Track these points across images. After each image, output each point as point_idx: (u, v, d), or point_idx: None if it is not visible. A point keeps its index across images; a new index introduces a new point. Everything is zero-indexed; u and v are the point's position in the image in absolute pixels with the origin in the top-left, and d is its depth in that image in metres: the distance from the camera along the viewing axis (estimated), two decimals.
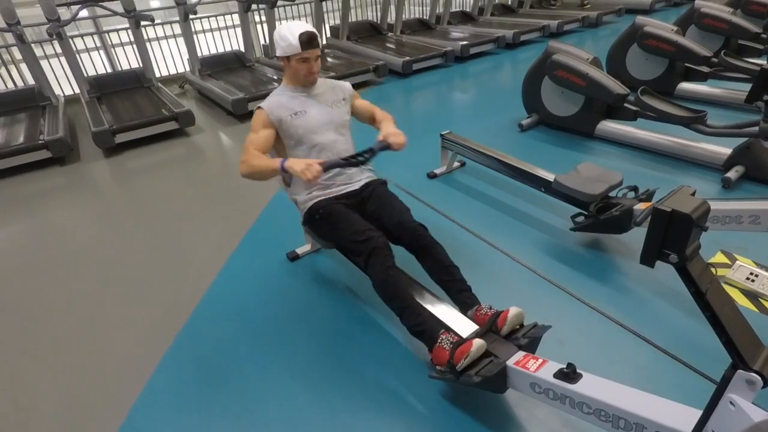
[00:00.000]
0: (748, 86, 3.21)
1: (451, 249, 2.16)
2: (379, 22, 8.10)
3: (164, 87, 5.91)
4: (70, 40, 5.60)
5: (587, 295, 2.36)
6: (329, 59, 6.75)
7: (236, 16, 7.02)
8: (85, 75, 5.81)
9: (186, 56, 6.61)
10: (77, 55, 5.76)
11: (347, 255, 2.26)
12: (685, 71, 4.74)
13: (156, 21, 5.85)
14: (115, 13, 5.54)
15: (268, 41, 7.05)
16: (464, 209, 3.19)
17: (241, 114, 5.21)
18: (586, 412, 1.49)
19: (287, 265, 2.76)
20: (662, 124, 3.52)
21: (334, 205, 2.24)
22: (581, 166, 2.83)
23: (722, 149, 3.33)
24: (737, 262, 2.45)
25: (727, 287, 2.30)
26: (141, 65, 6.10)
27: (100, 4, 5.45)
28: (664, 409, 1.36)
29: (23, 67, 5.92)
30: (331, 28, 8.10)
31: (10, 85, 6.08)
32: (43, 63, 5.64)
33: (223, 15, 7.69)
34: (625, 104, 3.69)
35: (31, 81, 5.75)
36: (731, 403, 1.19)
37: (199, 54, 6.48)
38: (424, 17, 8.57)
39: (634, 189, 2.66)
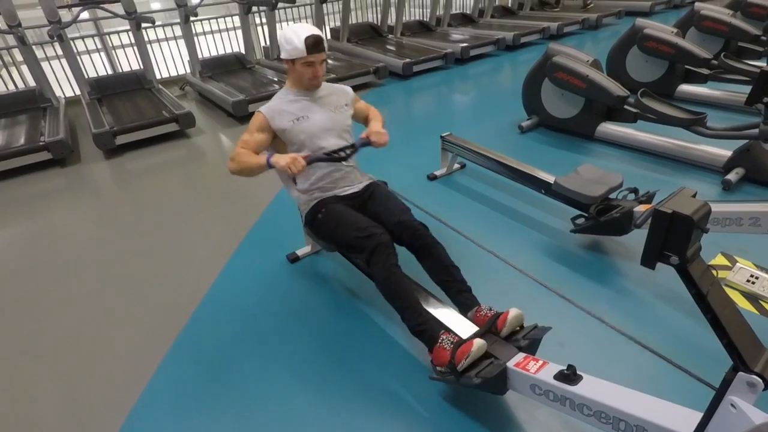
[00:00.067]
0: (747, 88, 3.20)
1: (450, 249, 2.16)
2: (379, 24, 8.12)
3: (165, 89, 5.92)
4: (71, 41, 5.61)
5: (587, 296, 2.36)
6: (330, 61, 6.75)
7: (237, 18, 7.03)
8: (86, 77, 5.82)
9: (186, 58, 6.62)
10: (78, 57, 5.77)
11: (350, 253, 2.26)
12: (685, 73, 4.75)
13: (157, 23, 5.86)
14: (116, 15, 5.54)
15: (268, 43, 7.05)
16: (464, 211, 3.19)
17: (241, 116, 5.21)
18: (586, 414, 1.49)
19: (287, 267, 2.76)
20: (662, 126, 3.52)
21: (336, 204, 2.24)
22: (581, 168, 2.83)
23: (722, 151, 3.34)
24: (737, 264, 2.45)
25: (727, 289, 2.29)
26: (142, 67, 6.10)
27: (101, 6, 5.46)
28: (665, 411, 1.36)
29: (24, 68, 5.92)
30: (331, 29, 8.11)
31: (11, 87, 6.09)
32: (44, 65, 5.65)
33: (224, 17, 7.69)
34: (625, 106, 3.70)
35: (32, 83, 5.75)
36: (732, 405, 1.19)
37: (200, 56, 6.49)
38: (425, 19, 8.59)
39: (634, 191, 2.66)
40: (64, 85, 6.25)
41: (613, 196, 2.69)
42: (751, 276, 2.35)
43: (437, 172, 3.69)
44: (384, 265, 1.96)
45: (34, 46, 5.44)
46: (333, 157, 2.20)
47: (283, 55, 2.18)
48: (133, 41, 6.05)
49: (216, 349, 2.22)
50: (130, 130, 4.64)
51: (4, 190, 4.07)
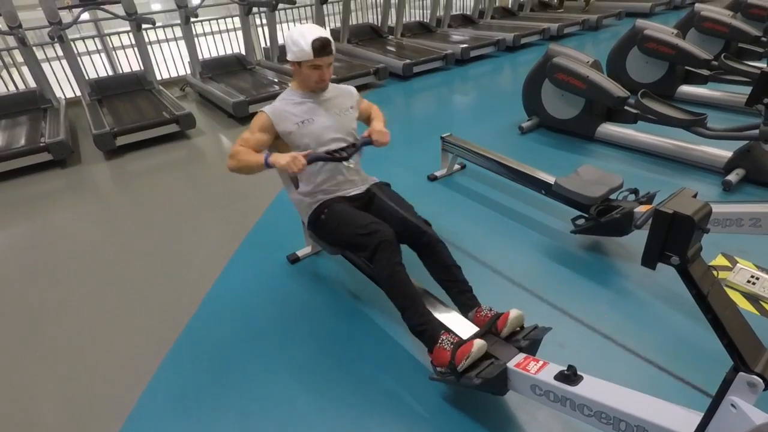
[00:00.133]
0: (748, 89, 3.20)
1: (450, 250, 2.16)
2: (379, 25, 8.12)
3: (165, 90, 5.93)
4: (72, 43, 5.62)
5: (588, 297, 2.36)
6: None
7: (237, 19, 7.03)
8: (87, 78, 5.82)
9: (187, 59, 6.63)
10: (78, 58, 5.78)
11: (353, 251, 2.22)
12: (685, 74, 4.75)
13: (157, 24, 5.86)
14: (117, 16, 5.55)
15: (268, 44, 7.06)
16: (464, 211, 3.19)
17: (241, 117, 5.21)
18: (586, 415, 1.48)
19: (288, 268, 2.76)
20: (662, 127, 3.52)
21: (339, 203, 2.22)
22: (582, 169, 2.83)
23: (723, 152, 3.34)
24: (738, 265, 2.45)
25: (728, 290, 2.30)
26: (142, 68, 6.11)
27: (102, 7, 5.46)
28: (665, 412, 1.36)
29: (25, 69, 5.93)
30: (331, 30, 8.07)
31: (12, 88, 6.09)
32: (45, 66, 5.66)
33: (224, 18, 7.70)
34: (626, 107, 3.70)
35: (32, 84, 5.76)
36: (732, 405, 1.19)
37: (200, 57, 6.50)
38: (425, 20, 8.60)
39: (635, 192, 2.66)
40: (64, 86, 6.26)
41: (613, 196, 2.69)
42: (752, 277, 2.34)
43: (437, 173, 3.69)
44: (388, 262, 1.94)
45: (34, 47, 5.45)
46: (334, 156, 2.16)
47: (289, 57, 2.14)
48: (133, 42, 6.06)
49: (216, 350, 2.22)
50: (130, 131, 4.65)
51: (4, 191, 4.07)
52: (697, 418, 1.29)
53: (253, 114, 5.27)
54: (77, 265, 2.98)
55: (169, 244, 3.12)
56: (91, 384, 2.11)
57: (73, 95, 6.23)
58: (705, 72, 4.55)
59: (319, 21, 7.08)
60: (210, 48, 7.49)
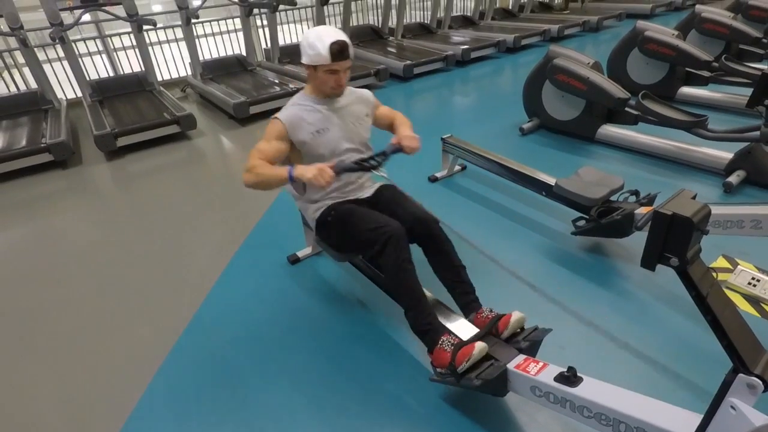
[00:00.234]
0: (748, 91, 3.21)
1: None
2: (380, 26, 8.13)
3: (166, 91, 5.94)
4: (73, 44, 5.62)
5: (588, 298, 2.36)
6: None
7: (238, 21, 7.04)
8: (88, 79, 5.82)
9: (188, 60, 6.64)
10: (80, 59, 5.79)
11: (363, 250, 2.13)
12: (685, 76, 4.76)
13: (158, 25, 5.87)
14: (118, 18, 5.56)
15: (269, 45, 7.07)
16: (465, 212, 3.19)
17: (242, 118, 5.22)
18: (586, 416, 1.48)
19: (288, 269, 2.76)
20: (663, 128, 3.53)
21: (347, 204, 2.18)
22: (582, 170, 2.83)
23: (723, 154, 3.34)
24: (739, 266, 2.45)
25: (728, 292, 2.30)
26: (143, 69, 6.12)
27: (103, 8, 5.47)
28: (665, 413, 1.36)
29: (26, 70, 5.94)
30: None
31: (13, 89, 6.10)
32: (46, 67, 5.67)
33: (225, 19, 7.71)
34: (626, 108, 3.70)
35: (33, 85, 5.76)
36: (732, 407, 1.19)
37: (201, 58, 6.51)
38: (425, 21, 8.60)
39: (636, 193, 2.66)
40: (65, 87, 6.27)
41: (614, 198, 2.69)
42: (753, 279, 2.34)
43: (438, 174, 3.69)
44: (396, 259, 1.89)
45: (36, 49, 5.45)
46: (363, 165, 2.03)
47: (304, 60, 2.03)
48: (134, 43, 6.06)
49: (216, 351, 2.22)
50: (131, 131, 4.65)
51: (5, 192, 4.08)
52: (696, 419, 1.29)
53: (254, 115, 5.30)
54: (78, 265, 2.98)
55: (170, 245, 3.12)
56: (91, 385, 2.11)
57: (74, 96, 6.24)
58: (706, 73, 4.55)
59: (320, 22, 7.08)
60: (211, 49, 7.50)
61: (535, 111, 4.39)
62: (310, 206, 2.25)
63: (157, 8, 12.67)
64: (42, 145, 4.31)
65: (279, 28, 7.01)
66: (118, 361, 2.23)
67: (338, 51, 1.95)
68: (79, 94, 5.82)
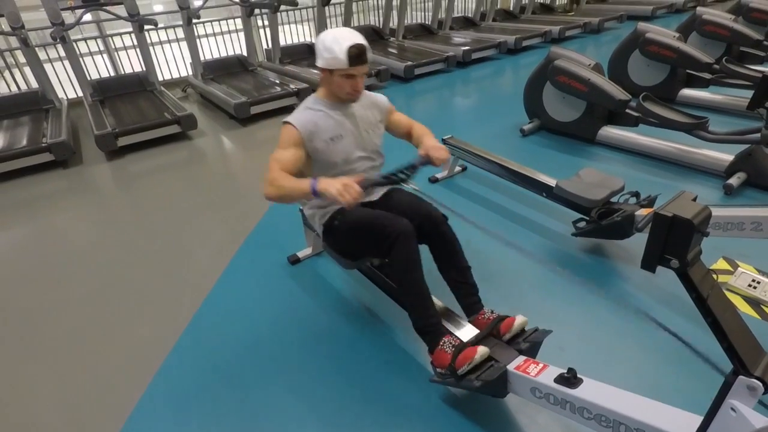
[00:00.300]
0: (749, 93, 3.21)
1: None
2: (381, 27, 8.14)
3: (167, 91, 5.94)
4: (74, 43, 5.62)
5: (588, 300, 2.36)
6: None
7: (239, 21, 7.05)
8: (89, 78, 5.83)
9: (189, 60, 6.65)
10: (81, 59, 5.79)
11: (371, 249, 2.03)
12: (686, 78, 4.76)
13: (159, 25, 5.87)
14: (119, 17, 5.57)
15: (270, 45, 7.07)
16: (465, 213, 3.19)
17: (243, 118, 5.23)
18: (586, 418, 1.48)
19: (288, 269, 2.76)
20: (664, 130, 3.53)
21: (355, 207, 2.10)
22: (583, 172, 2.83)
23: (724, 156, 3.34)
24: (739, 268, 2.45)
25: (729, 294, 2.29)
26: (144, 69, 6.13)
27: (104, 8, 5.48)
28: (665, 415, 1.36)
29: (27, 70, 5.94)
30: None
31: (14, 89, 6.11)
32: (47, 66, 5.67)
33: (226, 19, 7.72)
34: (627, 110, 3.70)
35: (34, 84, 5.77)
36: (732, 409, 1.19)
37: (202, 58, 6.51)
38: (426, 22, 8.61)
39: (636, 195, 2.66)
40: (66, 87, 6.29)
41: (614, 199, 2.69)
42: (753, 281, 2.34)
43: (439, 175, 3.69)
44: (405, 256, 1.85)
45: (36, 48, 5.46)
46: (392, 179, 1.95)
47: (319, 63, 1.94)
48: (135, 43, 6.07)
49: (217, 351, 2.22)
50: (132, 131, 4.66)
51: (6, 192, 4.08)
52: (696, 421, 1.29)
53: (255, 115, 5.29)
54: (78, 265, 2.98)
55: (171, 245, 3.12)
56: (91, 385, 2.11)
57: (75, 96, 6.25)
58: (706, 75, 4.55)
59: (321, 23, 7.09)
60: (212, 49, 7.51)
61: (536, 112, 4.40)
62: (317, 211, 2.18)
63: (158, 8, 12.68)
64: (43, 144, 4.32)
65: (280, 28, 7.01)
66: (118, 361, 2.23)
67: (356, 55, 1.86)
68: (80, 94, 5.82)
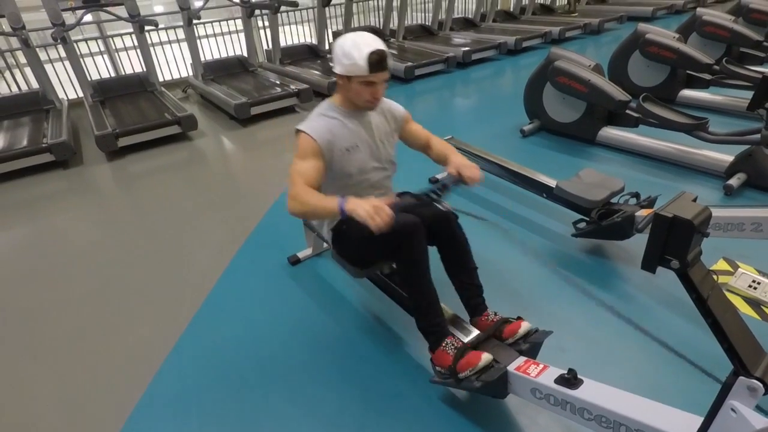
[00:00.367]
0: (749, 94, 3.22)
1: None
2: (381, 27, 8.14)
3: (167, 91, 5.94)
4: (75, 44, 5.63)
5: (588, 301, 2.36)
6: (332, 64, 6.79)
7: (239, 22, 7.05)
8: (89, 79, 5.83)
9: (189, 61, 6.65)
10: (81, 59, 5.79)
11: (380, 250, 1.94)
12: (686, 78, 4.76)
13: (160, 26, 5.88)
14: (120, 18, 5.57)
15: (271, 46, 7.08)
16: (466, 213, 3.19)
17: (243, 118, 5.23)
18: (587, 418, 1.48)
19: (289, 269, 2.76)
20: (664, 130, 3.53)
21: None
22: (583, 173, 2.83)
23: (724, 156, 3.34)
24: (739, 269, 2.45)
25: (729, 295, 2.29)
26: (144, 69, 6.13)
27: (105, 9, 5.48)
28: (666, 416, 1.36)
29: (27, 71, 5.95)
30: (333, 33, 8.14)
31: (15, 89, 6.11)
32: (47, 67, 5.68)
33: (227, 20, 7.72)
34: (627, 111, 3.70)
35: (35, 85, 5.77)
36: (732, 409, 1.19)
37: (202, 59, 6.52)
38: (427, 23, 8.61)
39: (636, 195, 2.66)
40: (67, 88, 6.29)
41: (614, 200, 2.69)
42: (753, 281, 2.34)
43: (439, 176, 3.69)
44: (414, 252, 1.81)
45: (37, 49, 5.46)
46: (423, 201, 1.90)
47: (337, 70, 1.87)
48: (136, 44, 6.08)
49: (217, 352, 2.22)
50: (132, 132, 4.66)
51: (6, 192, 4.08)
52: (697, 422, 1.29)
53: (255, 116, 5.28)
54: (78, 266, 2.98)
55: (171, 245, 3.12)
56: (91, 385, 2.11)
57: (75, 96, 6.24)
58: (706, 76, 4.55)
59: (321, 24, 7.11)
60: (212, 50, 7.51)
61: (536, 113, 4.40)
62: (324, 221, 2.15)
63: (158, 9, 12.69)
64: (43, 145, 4.32)
65: (280, 29, 7.01)
66: (118, 361, 2.23)
67: (377, 61, 1.78)
68: (81, 95, 5.82)
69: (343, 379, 2.02)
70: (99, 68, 6.69)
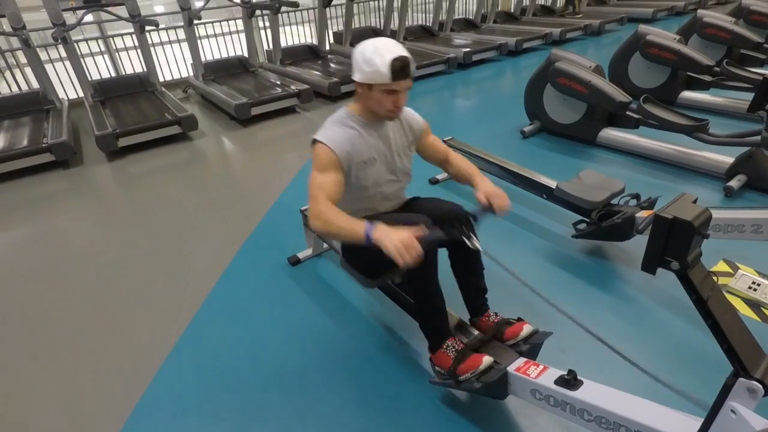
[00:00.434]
0: (750, 95, 3.22)
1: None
2: (381, 28, 8.15)
3: (168, 91, 5.95)
4: (75, 44, 5.63)
5: (588, 302, 2.36)
6: (332, 65, 6.81)
7: (240, 22, 7.06)
8: (89, 79, 5.84)
9: (189, 61, 6.65)
10: (82, 59, 5.80)
11: (389, 263, 1.62)
12: (687, 80, 4.76)
13: (160, 26, 5.88)
14: (120, 18, 5.57)
15: (271, 47, 7.08)
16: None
17: (244, 119, 5.23)
18: (586, 420, 1.48)
19: (289, 270, 2.76)
20: (664, 132, 3.53)
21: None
22: (583, 174, 2.83)
23: (724, 158, 3.34)
24: (739, 271, 2.45)
25: (729, 296, 2.29)
26: (145, 70, 6.13)
27: (106, 9, 5.49)
28: (665, 417, 1.36)
29: (28, 70, 5.95)
30: (334, 34, 8.15)
31: (15, 89, 6.11)
32: (48, 67, 5.68)
33: (227, 20, 7.73)
34: (627, 112, 3.70)
35: (35, 85, 5.78)
36: (732, 411, 1.19)
37: (203, 59, 6.52)
38: (427, 24, 8.62)
39: (636, 197, 2.66)
40: (67, 87, 6.29)
41: (615, 201, 2.69)
42: (753, 283, 2.34)
43: (439, 177, 3.69)
44: (427, 262, 1.68)
45: (38, 49, 5.47)
46: (454, 235, 1.80)
47: (357, 77, 1.78)
48: (136, 44, 6.08)
49: (217, 352, 2.22)
50: (132, 132, 4.66)
51: (6, 192, 4.08)
52: (696, 423, 1.29)
53: (255, 116, 5.27)
54: (78, 266, 2.98)
55: (171, 245, 3.12)
56: (91, 385, 2.11)
57: (75, 96, 6.24)
58: (707, 78, 4.55)
59: (322, 24, 7.11)
60: (213, 50, 7.52)
61: (537, 114, 4.40)
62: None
63: (159, 9, 12.70)
64: (43, 145, 4.32)
65: (281, 29, 7.02)
66: (118, 361, 2.23)
67: (400, 68, 1.69)
68: (81, 95, 5.83)
69: (343, 379, 2.02)
70: (99, 68, 6.69)
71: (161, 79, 6.52)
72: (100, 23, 7.12)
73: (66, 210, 3.73)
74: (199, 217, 3.45)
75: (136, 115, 5.07)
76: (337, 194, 1.76)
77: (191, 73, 6.78)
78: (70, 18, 5.23)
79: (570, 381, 1.54)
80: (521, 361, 1.72)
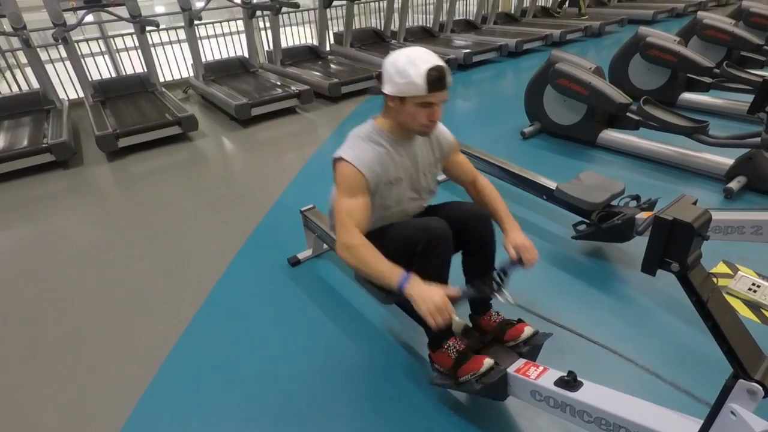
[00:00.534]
0: (750, 97, 3.22)
1: None
2: (382, 29, 8.15)
3: (168, 92, 5.95)
4: (76, 44, 5.64)
5: (588, 303, 2.36)
6: (332, 65, 6.81)
7: (240, 23, 7.06)
8: (90, 79, 5.84)
9: (190, 61, 6.66)
10: (82, 60, 5.80)
11: (404, 257, 1.66)
12: (687, 82, 4.76)
13: (161, 26, 5.88)
14: (121, 19, 5.58)
15: (272, 47, 7.09)
16: None
17: (244, 119, 5.23)
18: (587, 421, 1.48)
19: (289, 270, 2.76)
20: (664, 133, 3.53)
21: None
22: (583, 175, 2.83)
23: (724, 159, 3.34)
24: (739, 272, 2.45)
25: (729, 297, 2.29)
26: (145, 70, 6.13)
27: (106, 9, 5.49)
28: (665, 419, 1.36)
29: (28, 71, 5.95)
30: (335, 34, 8.15)
31: (15, 89, 6.11)
32: (48, 67, 5.68)
33: (228, 21, 7.74)
34: (627, 113, 3.70)
35: (35, 85, 5.78)
36: (732, 413, 1.19)
37: (203, 59, 6.52)
38: (428, 25, 8.62)
39: (636, 198, 2.66)
40: (67, 88, 6.29)
41: (614, 203, 2.69)
42: (753, 284, 2.34)
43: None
44: (437, 263, 1.69)
45: (38, 49, 5.47)
46: (484, 292, 1.76)
47: (388, 90, 1.65)
48: (137, 44, 6.08)
49: (217, 353, 2.22)
50: (133, 132, 4.65)
51: (6, 192, 4.08)
52: (696, 425, 1.29)
53: (255, 117, 5.27)
54: (78, 266, 2.98)
55: (171, 245, 3.12)
56: (91, 385, 2.11)
57: (76, 96, 6.25)
58: (707, 80, 4.55)
59: (323, 25, 7.12)
60: (213, 51, 7.52)
61: (537, 115, 4.40)
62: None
63: (160, 9, 12.70)
64: (44, 145, 4.32)
65: (281, 30, 7.02)
66: (118, 361, 2.23)
67: (437, 79, 1.57)
68: (81, 95, 5.83)
69: (343, 380, 2.02)
70: (100, 68, 6.69)
71: (161, 80, 6.52)
72: (100, 23, 7.12)
73: (66, 210, 3.73)
74: (199, 217, 3.45)
75: (136, 116, 5.07)
76: (366, 220, 1.67)
77: (191, 74, 6.78)
78: (70, 18, 5.23)
79: (570, 382, 1.54)
80: (521, 362, 1.72)
